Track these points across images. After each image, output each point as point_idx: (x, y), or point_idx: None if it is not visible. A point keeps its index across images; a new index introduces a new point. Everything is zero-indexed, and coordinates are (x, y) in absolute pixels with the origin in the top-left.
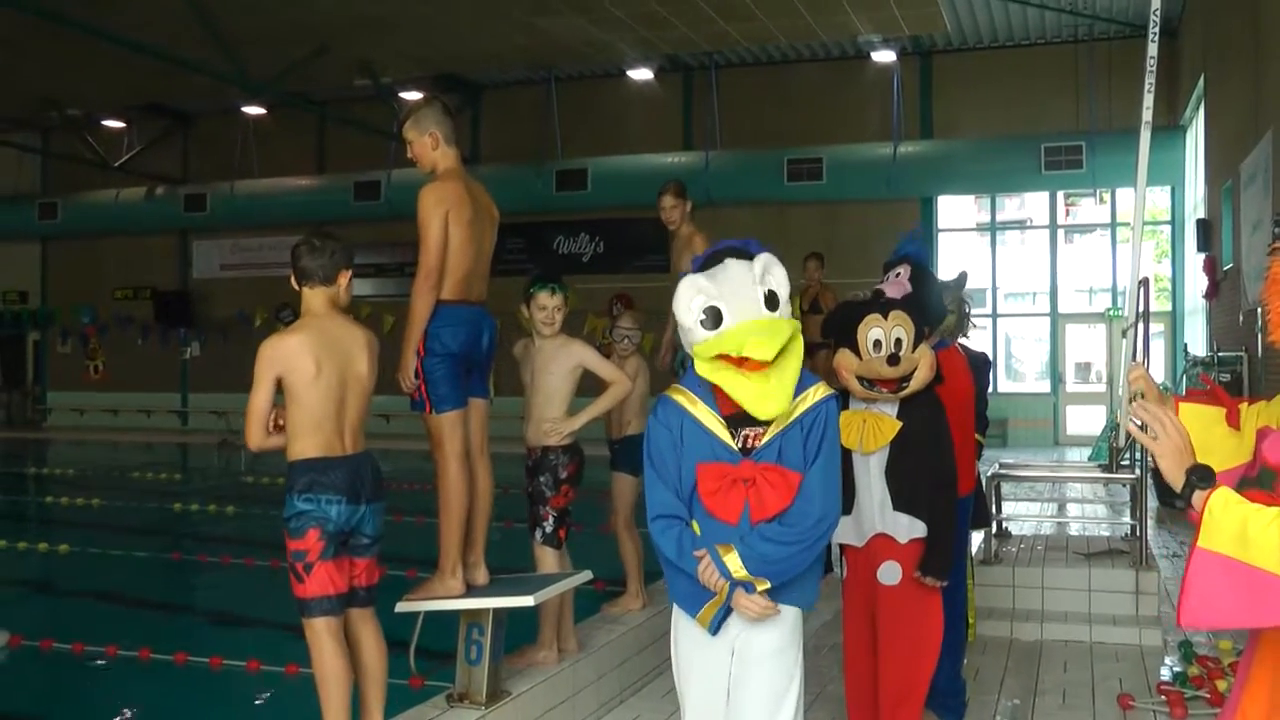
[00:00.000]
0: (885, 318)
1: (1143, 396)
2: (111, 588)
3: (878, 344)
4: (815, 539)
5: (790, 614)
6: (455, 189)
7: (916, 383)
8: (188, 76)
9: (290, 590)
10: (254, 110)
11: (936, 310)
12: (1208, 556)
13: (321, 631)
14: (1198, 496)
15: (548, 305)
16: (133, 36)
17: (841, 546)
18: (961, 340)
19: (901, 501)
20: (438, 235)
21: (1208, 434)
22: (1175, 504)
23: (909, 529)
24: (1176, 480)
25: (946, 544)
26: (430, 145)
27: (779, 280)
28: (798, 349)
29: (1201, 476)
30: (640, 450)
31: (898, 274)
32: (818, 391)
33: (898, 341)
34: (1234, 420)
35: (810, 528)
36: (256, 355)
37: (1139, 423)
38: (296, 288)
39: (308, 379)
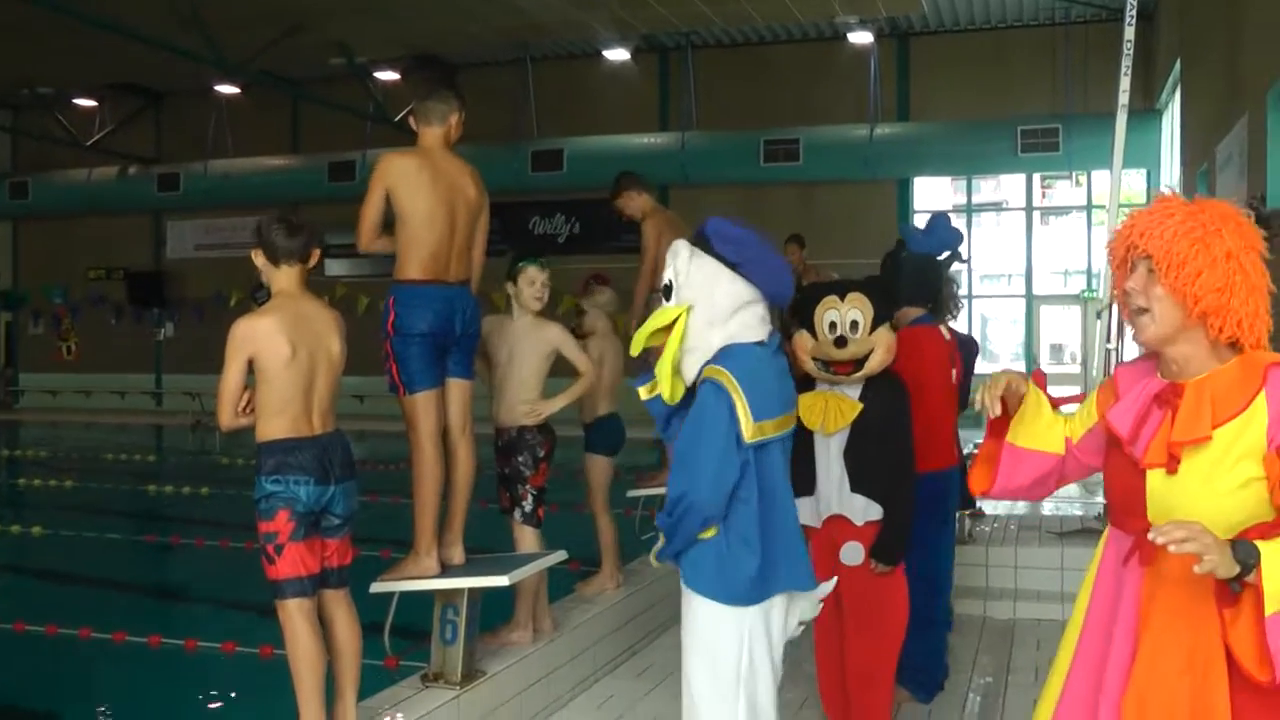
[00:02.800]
0: (843, 300)
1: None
2: (85, 570)
3: (833, 326)
4: (676, 518)
5: (697, 601)
6: (406, 162)
7: (872, 365)
8: (161, 55)
9: (263, 572)
10: (228, 89)
11: (911, 292)
12: (1277, 618)
13: (294, 613)
14: (1253, 573)
15: (537, 280)
16: (105, 14)
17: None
18: (950, 323)
19: (859, 483)
20: (375, 204)
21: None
22: (1231, 587)
23: (865, 511)
24: (1231, 569)
25: (901, 529)
26: (415, 117)
27: (669, 271)
28: (677, 333)
29: (1248, 554)
30: (612, 431)
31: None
32: (704, 373)
33: (853, 324)
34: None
35: (670, 506)
36: (229, 335)
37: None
38: (268, 265)
39: (282, 360)
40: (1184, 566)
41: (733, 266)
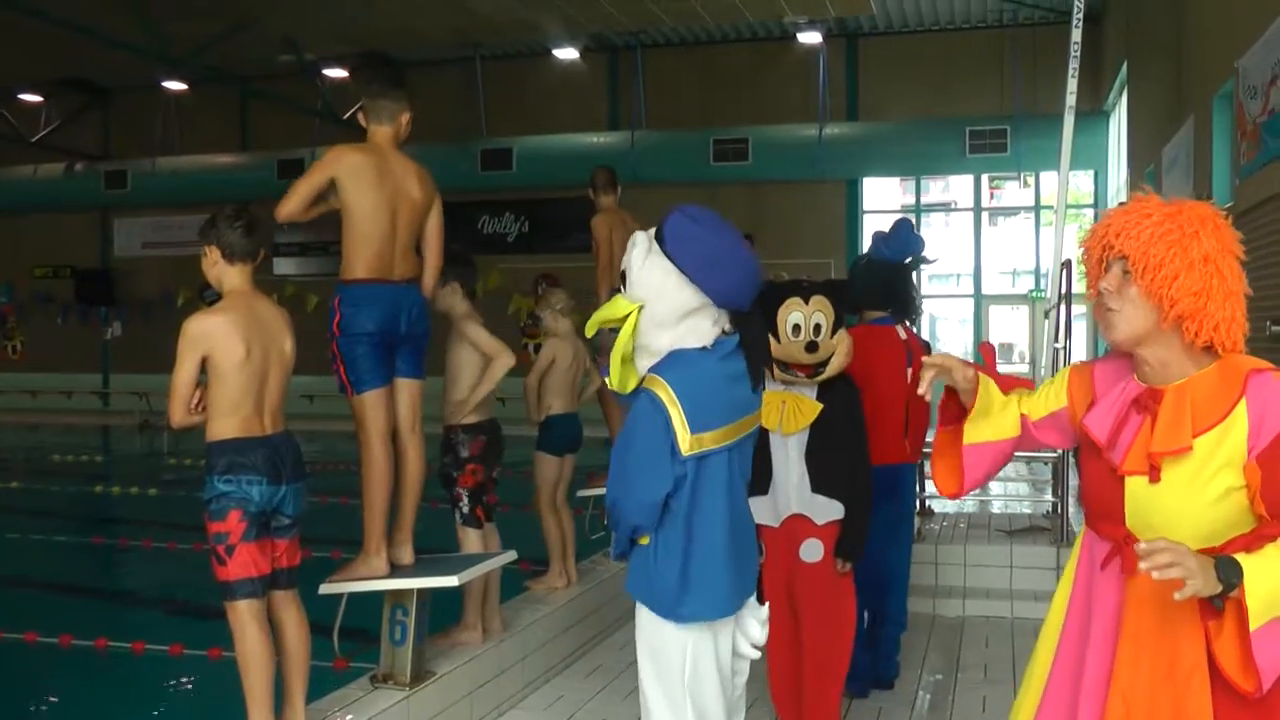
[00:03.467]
0: (806, 303)
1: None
2: (31, 573)
3: (796, 328)
4: (612, 523)
5: (640, 609)
6: (354, 157)
7: (833, 368)
8: (108, 50)
9: (212, 573)
10: (175, 86)
11: (873, 295)
12: (1261, 633)
13: (244, 614)
14: (1236, 590)
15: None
16: (50, 8)
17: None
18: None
19: (820, 483)
20: (311, 179)
21: (994, 399)
22: (1214, 603)
23: (827, 510)
24: (1214, 589)
25: (863, 527)
26: (363, 119)
27: (626, 260)
28: (627, 329)
29: (1232, 573)
30: (561, 430)
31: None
32: (644, 382)
33: (817, 327)
34: (1005, 388)
35: (607, 510)
36: (181, 333)
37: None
38: (222, 263)
39: (236, 359)
40: (1167, 580)
41: (682, 271)
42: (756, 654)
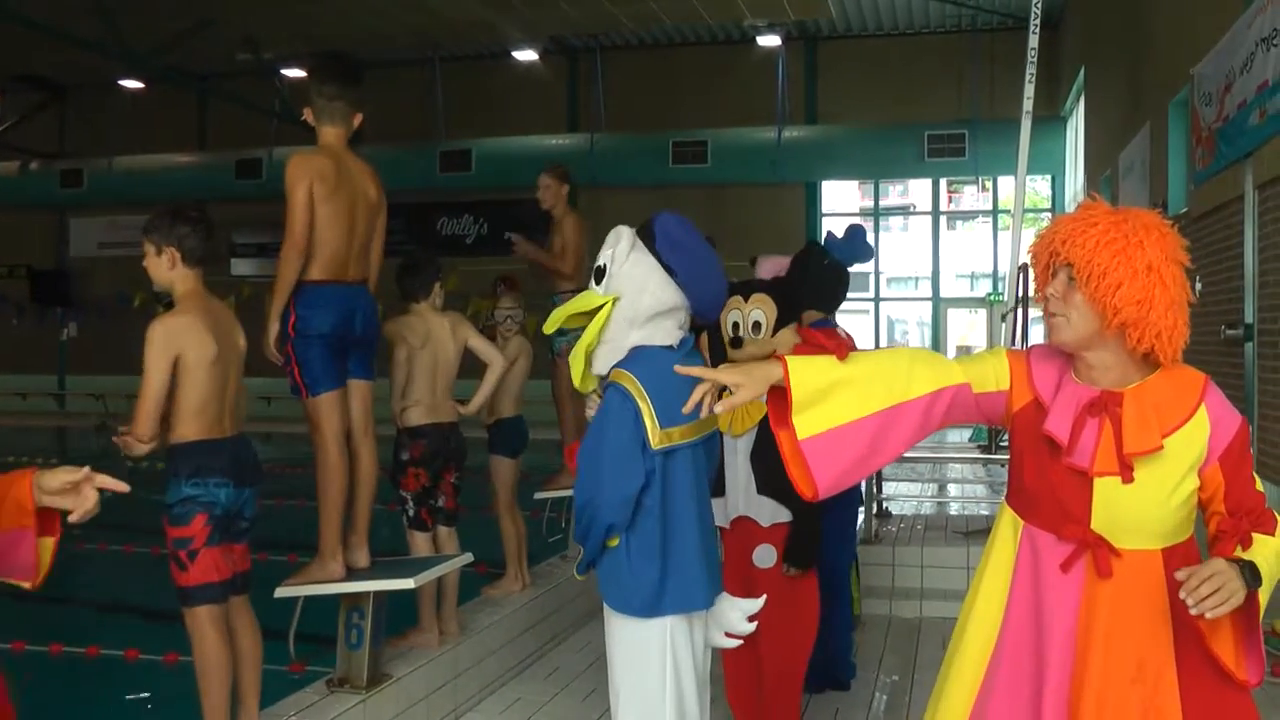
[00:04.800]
0: (746, 300)
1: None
2: None
3: (735, 326)
4: (585, 526)
5: (613, 615)
6: (320, 163)
7: None
8: (64, 47)
9: (171, 580)
10: (132, 84)
11: (818, 297)
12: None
13: (204, 620)
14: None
15: None
16: (5, 3)
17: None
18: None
19: (766, 486)
20: (302, 202)
21: (826, 377)
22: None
23: (773, 513)
24: (1241, 596)
25: (812, 532)
26: (308, 116)
27: (606, 254)
28: (598, 321)
29: (1254, 575)
30: (514, 433)
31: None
32: (611, 376)
33: (755, 325)
34: (843, 357)
35: (578, 514)
36: (149, 338)
37: (1201, 596)
38: (179, 266)
39: (206, 360)
40: (1135, 578)
41: (669, 270)
42: (735, 643)
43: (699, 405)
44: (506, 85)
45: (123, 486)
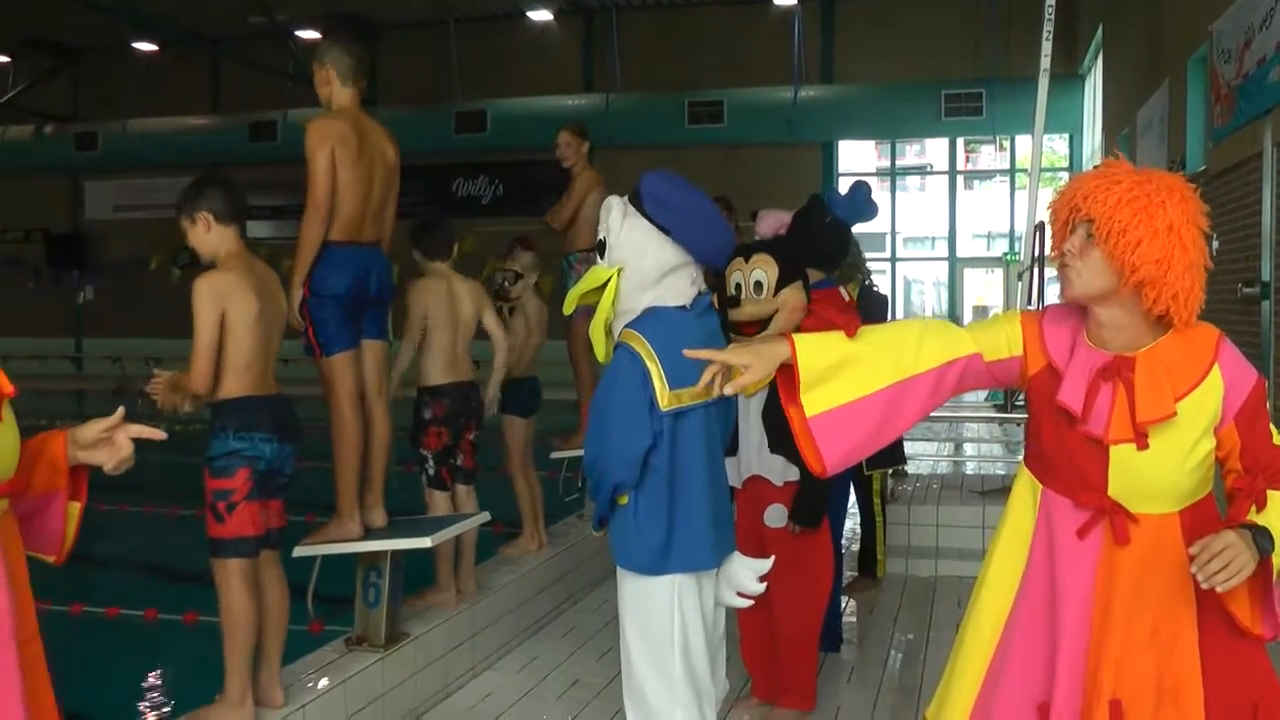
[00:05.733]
0: (747, 261)
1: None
2: None
3: (738, 287)
4: (594, 483)
5: (622, 570)
6: (340, 126)
7: (776, 325)
8: (76, 10)
9: (205, 530)
10: (146, 47)
11: (819, 256)
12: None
13: (234, 573)
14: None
15: None
16: None
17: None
18: (866, 282)
19: (778, 444)
20: (324, 167)
21: (834, 354)
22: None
23: (783, 472)
24: (1255, 561)
25: (819, 490)
26: (324, 80)
27: (603, 228)
28: (609, 295)
29: (1266, 542)
30: (528, 393)
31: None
32: (620, 337)
33: (756, 285)
34: (852, 333)
35: (587, 470)
36: (196, 292)
37: (1211, 572)
38: (218, 227)
39: (252, 316)
40: (1153, 542)
41: (663, 230)
42: (745, 603)
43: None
44: (521, 46)
45: (158, 434)
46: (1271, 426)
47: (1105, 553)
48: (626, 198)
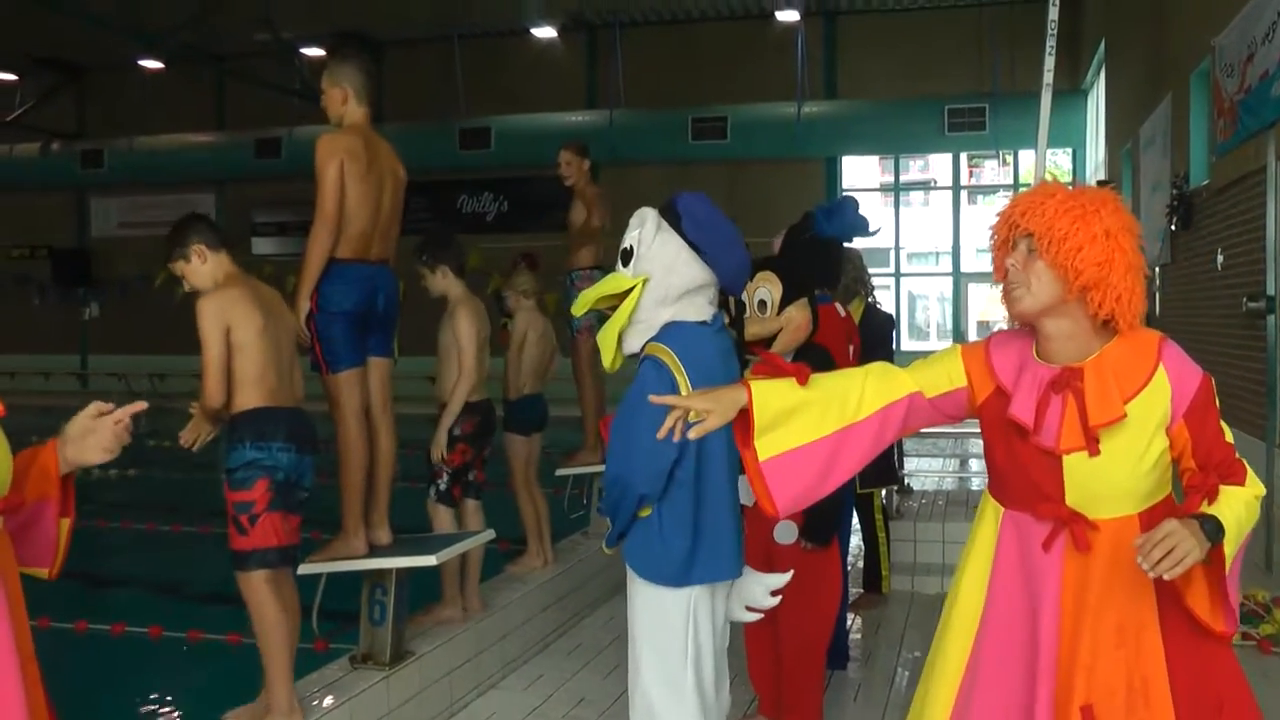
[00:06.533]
0: (751, 279)
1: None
2: None
3: (741, 306)
4: (615, 498)
5: (640, 583)
6: (351, 141)
7: (780, 343)
8: (83, 28)
9: (228, 543)
10: (151, 64)
11: (818, 270)
12: (1231, 575)
13: (260, 584)
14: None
15: None
16: None
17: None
18: (870, 300)
19: None
20: (334, 181)
21: (786, 400)
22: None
23: None
24: (1205, 549)
25: (829, 507)
26: (339, 99)
27: (632, 236)
28: (629, 304)
29: (1216, 530)
30: (532, 411)
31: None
32: (646, 349)
33: (760, 303)
34: (803, 382)
35: (609, 486)
36: (200, 312)
37: (1155, 560)
38: (211, 254)
39: (256, 328)
40: (1115, 546)
41: (695, 249)
42: (755, 616)
43: (730, 379)
44: (526, 62)
45: (138, 405)
46: (1223, 424)
47: (1069, 561)
48: (658, 211)
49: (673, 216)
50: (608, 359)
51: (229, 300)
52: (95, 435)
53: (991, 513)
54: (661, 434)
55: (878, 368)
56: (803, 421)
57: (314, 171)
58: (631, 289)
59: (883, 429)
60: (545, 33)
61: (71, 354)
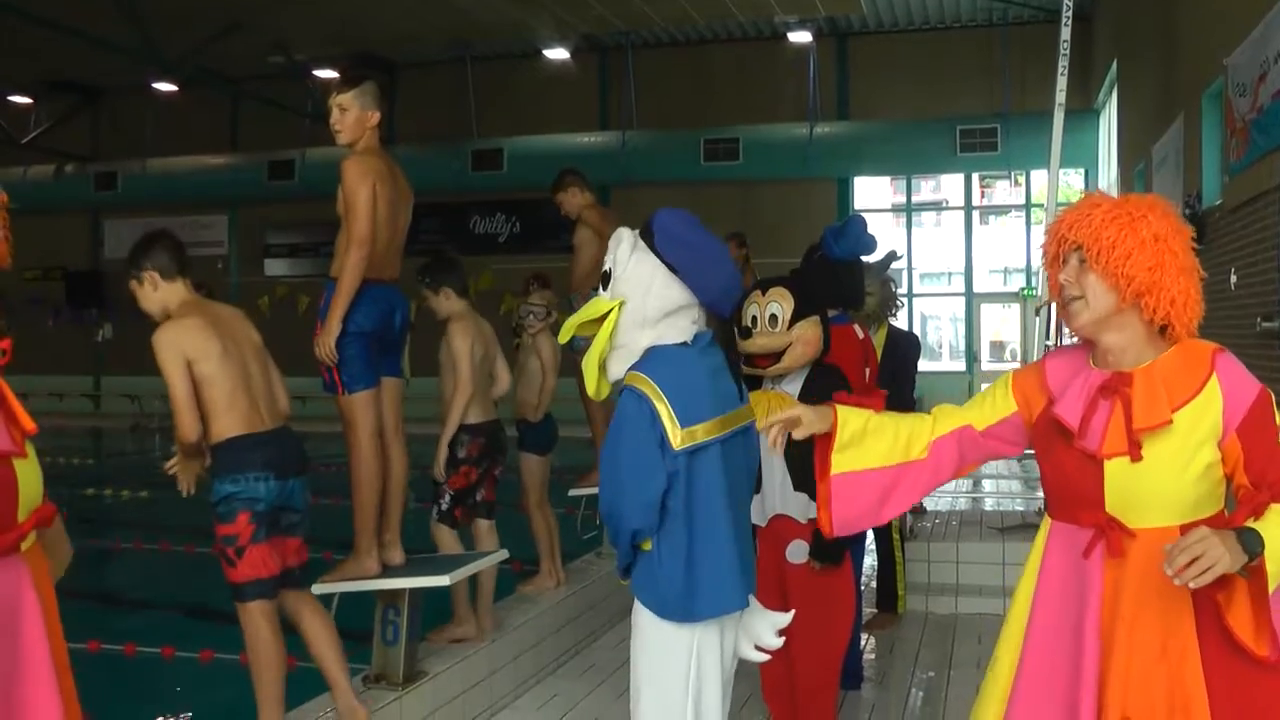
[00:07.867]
0: (764, 294)
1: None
2: None
3: (754, 319)
4: (612, 533)
5: (643, 613)
6: (379, 164)
7: (790, 358)
8: (97, 52)
9: (223, 575)
10: (165, 87)
11: (834, 290)
12: (1278, 594)
13: (256, 615)
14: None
15: None
16: (40, 10)
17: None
18: (891, 321)
19: (802, 481)
20: (367, 203)
21: (865, 425)
22: (1241, 574)
23: (807, 509)
24: (1241, 561)
25: None
26: (367, 121)
27: (610, 258)
28: (606, 328)
29: (1255, 543)
30: (544, 431)
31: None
32: (625, 379)
33: (771, 318)
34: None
35: (605, 521)
36: (155, 347)
37: (1179, 568)
38: (164, 283)
39: (216, 356)
40: (1150, 559)
41: (672, 269)
42: (764, 656)
43: (723, 397)
44: (538, 84)
45: None
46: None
47: (1110, 569)
48: (638, 231)
49: (648, 235)
50: (591, 386)
51: (182, 331)
52: None
53: (1044, 527)
54: (771, 447)
55: (939, 409)
56: (874, 448)
57: (343, 194)
58: (610, 312)
59: (938, 464)
60: (558, 54)
61: (85, 375)
